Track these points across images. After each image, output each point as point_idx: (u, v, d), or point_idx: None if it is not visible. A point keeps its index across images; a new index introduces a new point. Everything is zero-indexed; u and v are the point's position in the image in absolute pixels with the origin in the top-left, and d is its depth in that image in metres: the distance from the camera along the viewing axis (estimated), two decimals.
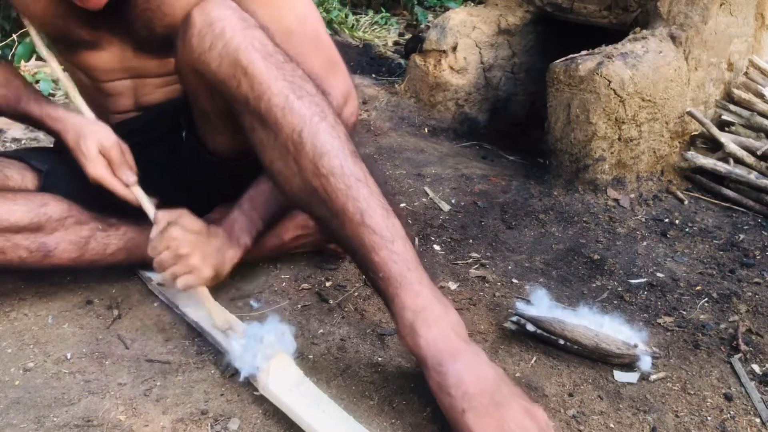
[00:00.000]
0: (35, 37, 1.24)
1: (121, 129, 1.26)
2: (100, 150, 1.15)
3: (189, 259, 1.07)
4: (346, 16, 3.83)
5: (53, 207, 1.16)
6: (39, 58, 2.58)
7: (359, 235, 0.92)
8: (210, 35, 0.98)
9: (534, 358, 1.09)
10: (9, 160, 1.24)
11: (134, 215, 1.20)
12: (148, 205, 1.17)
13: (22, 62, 2.52)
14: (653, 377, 1.05)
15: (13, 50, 2.54)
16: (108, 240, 1.20)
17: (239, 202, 1.18)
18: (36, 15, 1.18)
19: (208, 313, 1.10)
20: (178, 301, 1.18)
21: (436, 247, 1.48)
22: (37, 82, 2.36)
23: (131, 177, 1.17)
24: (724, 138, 1.74)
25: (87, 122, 1.18)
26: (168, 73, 1.22)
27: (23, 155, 1.27)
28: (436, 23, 2.41)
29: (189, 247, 1.07)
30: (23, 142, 2.04)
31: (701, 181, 1.76)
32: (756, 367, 1.09)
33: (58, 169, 1.24)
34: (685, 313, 1.25)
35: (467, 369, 0.87)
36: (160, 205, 1.18)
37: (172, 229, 1.07)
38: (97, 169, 1.15)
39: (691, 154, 1.74)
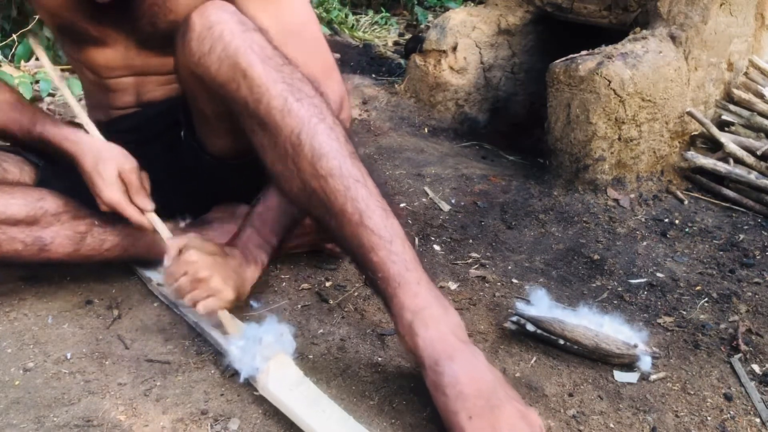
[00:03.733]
0: (46, 62, 1.23)
1: (120, 124, 1.26)
2: (119, 174, 1.13)
3: (209, 282, 1.03)
4: (346, 16, 3.83)
5: (50, 201, 1.16)
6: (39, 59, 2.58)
7: (358, 235, 0.92)
8: (209, 38, 0.98)
9: (534, 358, 1.09)
10: (7, 154, 1.24)
11: None
12: (164, 231, 1.14)
13: (22, 62, 2.52)
14: (653, 377, 1.05)
15: (13, 50, 2.54)
16: (104, 236, 1.20)
17: (250, 220, 1.16)
18: (45, 6, 1.17)
19: (223, 325, 1.06)
20: (178, 301, 1.18)
21: (436, 247, 1.48)
22: (37, 82, 2.36)
23: (149, 204, 1.15)
24: (724, 138, 1.74)
25: (106, 145, 1.15)
26: (170, 71, 1.22)
27: (20, 150, 1.27)
28: (436, 23, 2.41)
29: (208, 270, 1.04)
30: None
31: (701, 181, 1.76)
32: (756, 367, 1.09)
33: (55, 165, 1.24)
34: (685, 313, 1.25)
35: (464, 370, 0.87)
36: (159, 207, 1.18)
37: (189, 253, 1.04)
38: (113, 193, 1.13)
39: (691, 154, 1.74)
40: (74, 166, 1.15)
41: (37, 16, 2.44)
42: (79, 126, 1.20)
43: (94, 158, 1.13)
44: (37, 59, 2.59)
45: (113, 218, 1.21)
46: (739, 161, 1.72)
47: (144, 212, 1.15)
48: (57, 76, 1.26)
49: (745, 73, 1.88)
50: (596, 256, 1.45)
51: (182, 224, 1.31)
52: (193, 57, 1.00)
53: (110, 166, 1.13)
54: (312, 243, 1.37)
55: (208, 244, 1.08)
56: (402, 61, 3.02)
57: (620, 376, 1.05)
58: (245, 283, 1.11)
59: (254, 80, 0.95)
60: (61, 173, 1.22)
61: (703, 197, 1.73)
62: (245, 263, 1.12)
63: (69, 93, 1.23)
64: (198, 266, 1.03)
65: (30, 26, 2.43)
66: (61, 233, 1.16)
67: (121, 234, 1.21)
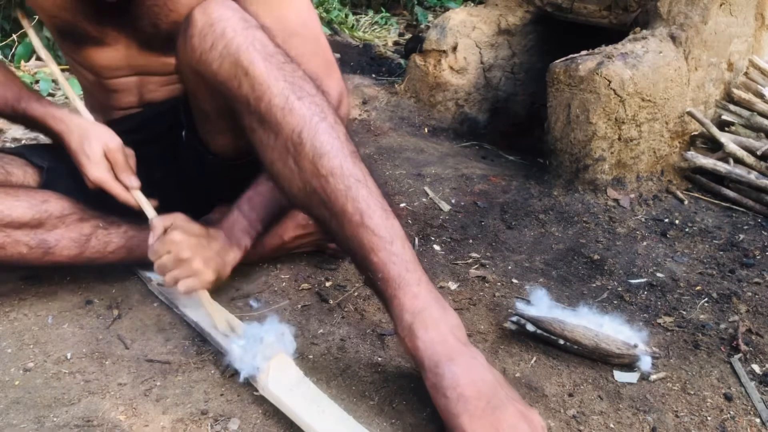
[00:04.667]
0: (34, 38, 1.24)
1: (121, 125, 1.26)
2: (105, 152, 1.15)
3: (191, 263, 1.07)
4: (346, 16, 3.83)
5: (54, 204, 1.16)
6: (39, 58, 2.59)
7: (358, 235, 0.92)
8: (211, 35, 0.98)
9: (534, 358, 1.09)
10: (11, 157, 1.24)
11: (135, 214, 1.20)
12: (149, 209, 1.16)
13: (22, 62, 2.52)
14: (653, 377, 1.05)
15: (13, 50, 2.54)
16: (109, 238, 1.21)
17: (238, 203, 1.18)
18: (46, 7, 1.17)
19: (209, 316, 1.10)
20: (178, 301, 1.18)
21: (436, 247, 1.48)
22: (37, 82, 2.36)
23: (134, 181, 1.17)
24: (724, 138, 1.74)
25: (91, 124, 1.17)
26: (172, 71, 1.22)
27: (25, 152, 1.27)
28: (436, 23, 2.41)
29: (190, 250, 1.07)
30: (23, 142, 2.04)
31: (701, 181, 1.76)
32: (756, 367, 1.09)
33: (60, 167, 1.24)
34: (685, 313, 1.25)
35: (464, 371, 0.87)
36: (160, 206, 1.18)
37: (173, 233, 1.08)
38: (99, 171, 1.14)
39: (691, 154, 1.74)
40: (60, 143, 1.17)
41: (37, 17, 2.44)
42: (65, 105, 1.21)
43: (80, 137, 1.15)
44: (37, 59, 2.59)
45: (117, 220, 1.21)
46: (739, 161, 1.72)
47: (130, 190, 1.17)
48: (46, 54, 1.26)
49: (745, 73, 1.88)
50: (596, 256, 1.45)
51: None
52: (195, 54, 1.00)
53: (95, 145, 1.14)
54: (314, 243, 1.37)
55: (192, 226, 1.11)
56: (402, 61, 3.02)
57: (620, 376, 1.05)
58: (226, 265, 1.13)
59: (256, 78, 0.95)
60: (65, 175, 1.22)
61: (703, 197, 1.73)
62: (228, 246, 1.14)
63: (58, 70, 1.24)
64: (181, 246, 1.07)
65: (26, 29, 2.42)
66: (66, 236, 1.16)
67: (125, 236, 1.22)
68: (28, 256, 1.14)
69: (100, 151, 1.14)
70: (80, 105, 1.23)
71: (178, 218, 1.11)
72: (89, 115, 1.21)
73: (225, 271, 1.13)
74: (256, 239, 1.18)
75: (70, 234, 1.17)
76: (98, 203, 1.20)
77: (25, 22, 1.29)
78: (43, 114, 1.18)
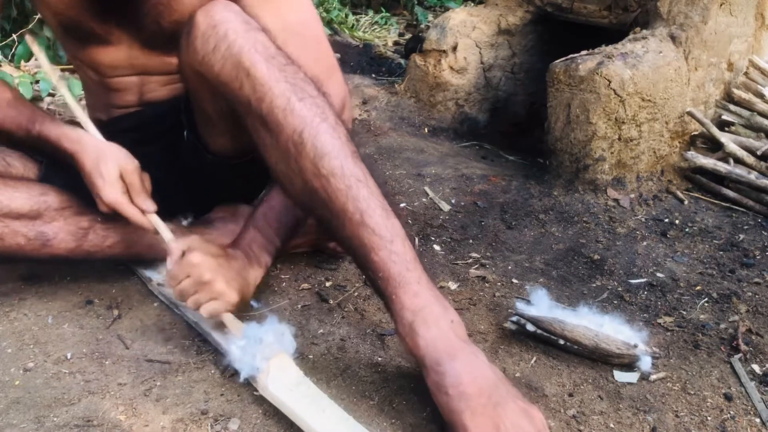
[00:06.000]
0: (41, 56, 1.22)
1: (121, 123, 1.26)
2: (121, 174, 1.12)
3: (213, 285, 1.02)
4: (346, 16, 3.83)
5: (53, 196, 1.16)
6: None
7: (359, 235, 0.92)
8: (213, 37, 0.98)
9: (534, 358, 1.09)
10: (11, 150, 1.24)
11: None
12: (166, 232, 1.13)
13: (22, 62, 2.52)
14: (653, 377, 1.05)
15: (13, 50, 2.54)
16: (107, 232, 1.20)
17: (253, 220, 1.16)
18: (51, 4, 1.17)
19: (226, 326, 1.06)
20: (181, 303, 1.18)
21: (436, 247, 1.48)
22: (37, 82, 2.36)
23: (150, 205, 1.13)
24: (724, 138, 1.74)
25: (107, 145, 1.14)
26: (173, 71, 1.22)
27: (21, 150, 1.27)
28: (436, 23, 2.41)
29: (211, 272, 1.02)
30: None
31: (701, 181, 1.76)
32: (756, 367, 1.09)
33: (58, 162, 1.24)
34: (685, 313, 1.25)
35: (465, 369, 0.87)
36: (160, 207, 1.17)
37: (192, 255, 1.03)
38: (114, 194, 1.11)
39: (691, 154, 1.74)
40: (74, 165, 1.14)
41: (37, 16, 2.44)
42: (78, 126, 1.20)
43: (95, 158, 1.12)
44: (36, 60, 2.59)
45: (116, 215, 1.21)
46: (739, 161, 1.72)
47: (145, 213, 1.14)
48: (56, 75, 1.25)
49: (745, 73, 1.88)
50: (596, 256, 1.45)
51: (184, 223, 1.30)
52: (197, 55, 1.00)
53: (111, 166, 1.11)
54: (314, 243, 1.37)
55: (211, 246, 1.07)
56: (402, 61, 3.02)
57: (620, 376, 1.05)
58: (249, 285, 1.10)
59: (257, 79, 0.95)
60: (63, 169, 1.22)
61: (703, 197, 1.73)
62: (248, 265, 1.11)
63: (68, 92, 1.22)
64: (201, 269, 1.02)
65: (30, 26, 2.43)
66: (64, 228, 1.16)
67: (123, 231, 1.21)
68: (26, 247, 1.13)
69: (116, 172, 1.11)
70: (91, 127, 1.18)
71: (196, 240, 1.07)
72: (96, 130, 1.18)
73: (249, 291, 1.10)
74: (276, 255, 1.16)
75: (68, 227, 1.16)
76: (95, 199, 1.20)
77: (35, 48, 1.27)
78: (58, 135, 1.14)
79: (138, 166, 1.14)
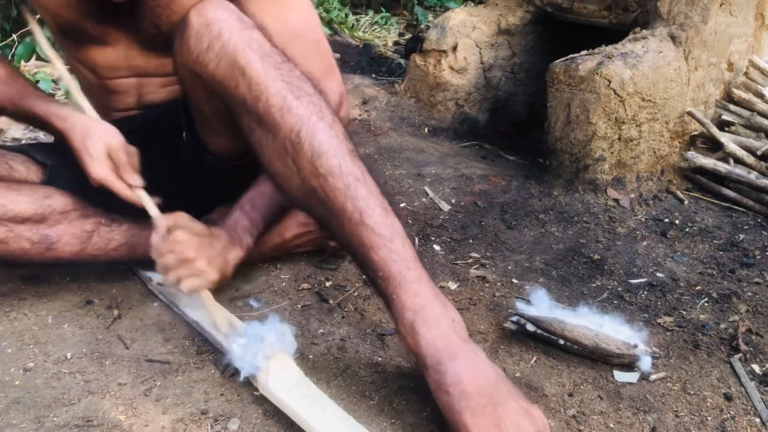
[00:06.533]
0: (39, 35, 1.23)
1: (121, 126, 1.26)
2: (107, 150, 1.14)
3: (194, 263, 1.06)
4: (346, 16, 3.83)
5: (57, 200, 1.16)
6: (39, 58, 2.59)
7: (358, 234, 0.92)
8: (207, 36, 0.98)
9: (534, 358, 1.09)
10: (14, 153, 1.24)
11: (137, 212, 1.19)
12: (152, 208, 1.15)
13: (22, 62, 2.52)
14: (653, 377, 1.05)
15: (13, 50, 2.54)
16: (111, 235, 1.20)
17: (240, 203, 1.18)
18: (49, 6, 1.17)
19: (210, 316, 1.10)
20: (178, 300, 1.18)
21: (436, 247, 1.48)
22: (37, 81, 2.36)
23: (137, 179, 1.15)
24: (724, 138, 1.74)
25: (94, 122, 1.16)
26: (171, 72, 1.22)
27: (27, 149, 1.27)
28: (436, 23, 2.41)
29: (193, 250, 1.06)
30: (23, 141, 2.04)
31: (701, 181, 1.76)
32: (756, 367, 1.09)
33: (62, 164, 1.24)
34: (685, 313, 1.25)
35: (466, 368, 0.87)
36: (162, 206, 1.18)
37: (177, 233, 1.06)
38: (102, 169, 1.13)
39: (691, 154, 1.74)
40: (63, 141, 1.16)
41: (37, 16, 2.44)
42: (68, 103, 1.21)
43: (82, 135, 1.14)
44: (38, 59, 2.59)
45: (120, 217, 1.21)
46: (739, 161, 1.72)
47: (132, 188, 1.15)
48: (51, 51, 1.25)
49: (745, 73, 1.88)
50: (596, 256, 1.45)
51: None
52: (192, 55, 1.00)
53: (98, 143, 1.13)
54: (317, 242, 1.37)
55: (195, 225, 1.10)
56: (402, 61, 3.02)
57: (620, 376, 1.05)
58: (229, 264, 1.12)
59: (253, 78, 0.95)
60: (68, 172, 1.22)
61: (703, 197, 1.73)
62: (230, 245, 1.13)
63: (62, 66, 1.23)
64: (185, 246, 1.06)
65: (30, 26, 2.42)
66: (68, 231, 1.16)
67: (127, 234, 1.21)
68: (30, 251, 1.13)
69: (102, 148, 1.13)
70: (84, 102, 1.21)
71: (182, 217, 1.10)
72: (93, 111, 1.20)
73: (228, 271, 1.13)
74: (258, 238, 1.18)
75: (72, 230, 1.17)
76: (101, 201, 1.20)
77: (29, 18, 1.29)
78: (47, 112, 1.17)
79: (124, 142, 1.15)
